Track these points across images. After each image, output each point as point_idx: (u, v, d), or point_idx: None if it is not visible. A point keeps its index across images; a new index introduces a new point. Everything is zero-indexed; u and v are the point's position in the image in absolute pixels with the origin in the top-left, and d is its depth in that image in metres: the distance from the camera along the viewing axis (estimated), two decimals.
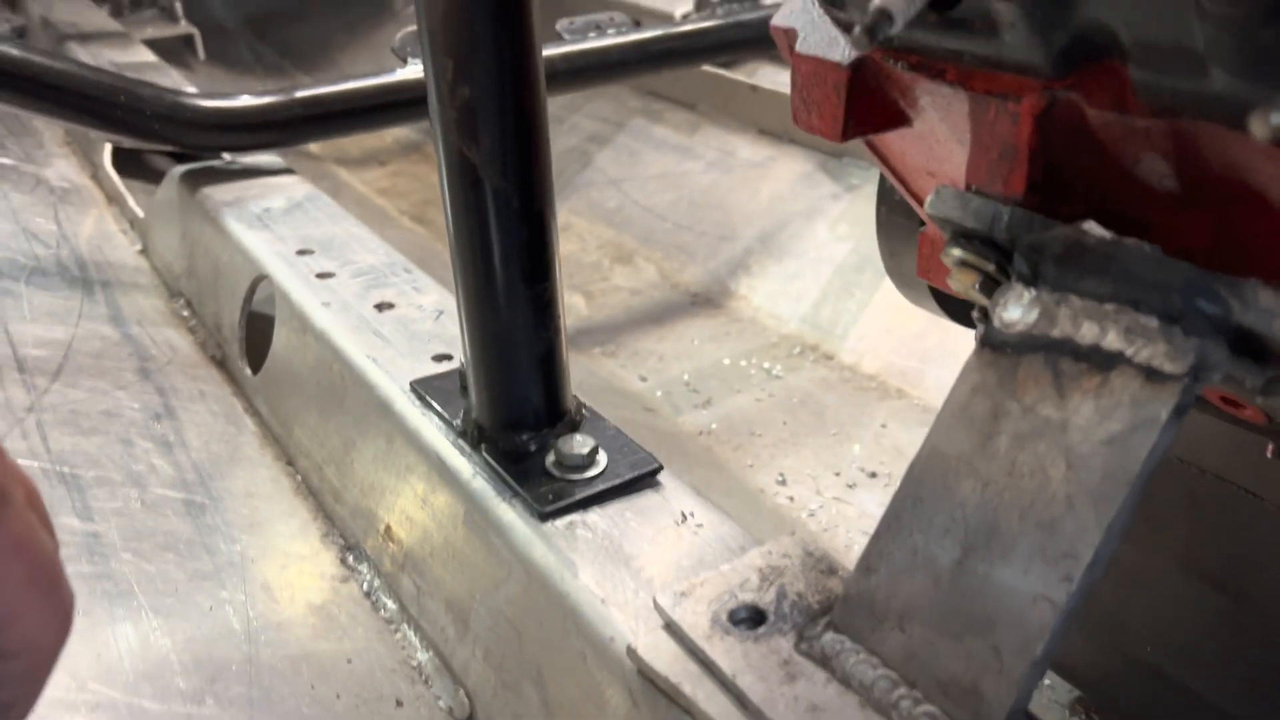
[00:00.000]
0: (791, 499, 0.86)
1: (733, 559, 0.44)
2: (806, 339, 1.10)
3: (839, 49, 0.42)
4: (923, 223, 0.59)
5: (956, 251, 0.39)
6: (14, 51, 0.77)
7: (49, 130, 1.25)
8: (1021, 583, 0.33)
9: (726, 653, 0.37)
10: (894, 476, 0.88)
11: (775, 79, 1.43)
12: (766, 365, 1.06)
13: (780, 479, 0.88)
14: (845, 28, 0.41)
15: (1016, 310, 0.35)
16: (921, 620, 0.35)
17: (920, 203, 0.54)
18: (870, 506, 0.85)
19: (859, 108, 0.42)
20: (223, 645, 0.47)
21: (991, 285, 0.38)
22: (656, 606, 0.40)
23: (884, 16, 0.33)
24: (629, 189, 1.44)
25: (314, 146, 1.70)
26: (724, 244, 1.27)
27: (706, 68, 1.40)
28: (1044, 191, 0.37)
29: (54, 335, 0.73)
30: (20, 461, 0.56)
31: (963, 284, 0.39)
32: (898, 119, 0.43)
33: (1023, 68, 0.34)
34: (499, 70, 0.43)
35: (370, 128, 0.92)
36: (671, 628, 0.39)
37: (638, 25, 1.14)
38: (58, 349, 0.71)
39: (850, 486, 0.87)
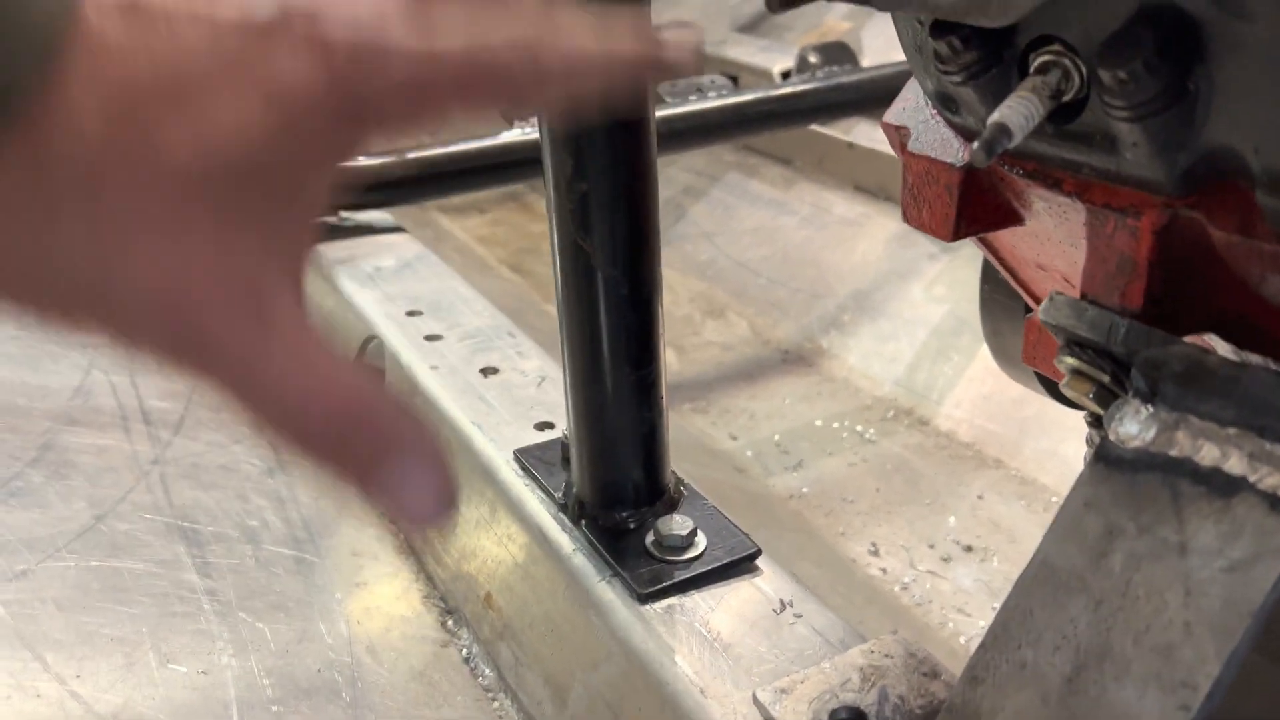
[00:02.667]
0: (884, 570, 0.85)
1: (832, 653, 0.44)
2: (901, 403, 1.09)
3: (952, 150, 0.42)
4: (1029, 306, 0.59)
5: (1070, 360, 0.39)
6: None
7: None
8: (1136, 707, 0.33)
9: None
10: (990, 551, 0.87)
11: (872, 136, 1.43)
12: (859, 428, 1.05)
13: (873, 549, 0.87)
14: (960, 131, 0.41)
15: (1133, 426, 0.35)
16: None
17: (1028, 291, 0.54)
18: (965, 582, 0.83)
19: (971, 207, 0.43)
20: (330, 709, 0.48)
21: (1106, 395, 0.38)
22: (756, 702, 0.40)
23: (1002, 132, 0.34)
24: (722, 243, 1.45)
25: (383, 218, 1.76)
26: (817, 301, 1.27)
27: None
28: (1163, 305, 0.37)
29: (174, 388, 0.76)
30: (146, 515, 0.59)
31: (1076, 392, 0.39)
32: (1010, 219, 0.43)
33: (1144, 184, 0.34)
34: (615, 167, 0.45)
35: (478, 188, 0.95)
36: None
37: (736, 86, 1.15)
38: (179, 401, 0.74)
39: (945, 560, 0.86)
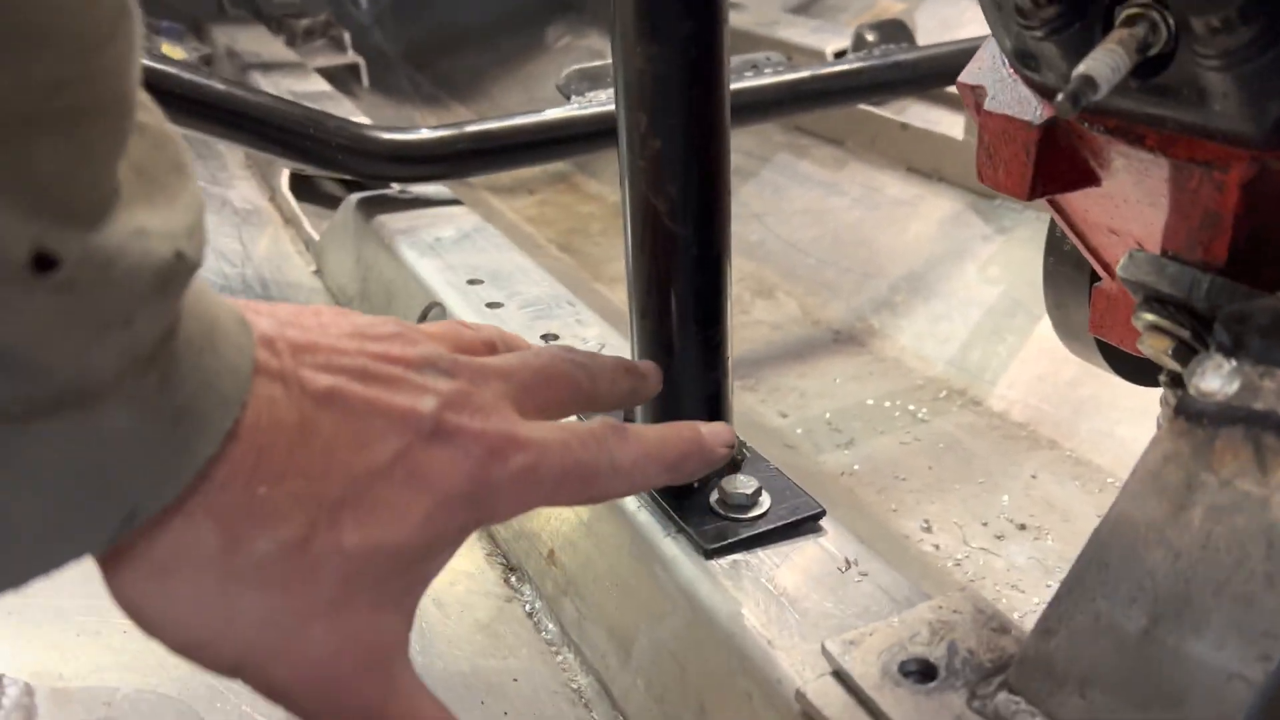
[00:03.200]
0: (937, 547, 0.84)
1: (898, 610, 0.44)
2: (954, 383, 1.08)
3: (1030, 108, 0.42)
4: (1095, 277, 0.58)
5: (1149, 316, 0.38)
6: (219, 85, 0.84)
7: (231, 154, 1.34)
8: (1215, 658, 0.33)
9: (898, 704, 0.38)
10: (1044, 529, 0.86)
11: (926, 117, 1.42)
12: (911, 408, 1.05)
13: (925, 525, 0.87)
14: (1039, 89, 0.41)
15: (1216, 381, 0.35)
16: (1104, 687, 0.35)
17: (1097, 258, 0.54)
18: (1019, 559, 0.83)
19: (1048, 167, 0.42)
20: None
21: (1186, 351, 0.38)
22: (825, 653, 0.40)
23: (1088, 84, 0.34)
24: (772, 223, 1.45)
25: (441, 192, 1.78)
26: (868, 282, 1.27)
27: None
28: (1246, 260, 0.36)
29: None
30: None
31: (1154, 349, 0.39)
32: (1087, 179, 0.43)
33: (1232, 137, 0.34)
34: (689, 125, 0.45)
35: (533, 162, 0.96)
36: (840, 675, 0.40)
37: (792, 64, 1.15)
38: None
39: (998, 538, 0.86)
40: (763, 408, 1.07)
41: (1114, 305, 0.56)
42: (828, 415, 1.04)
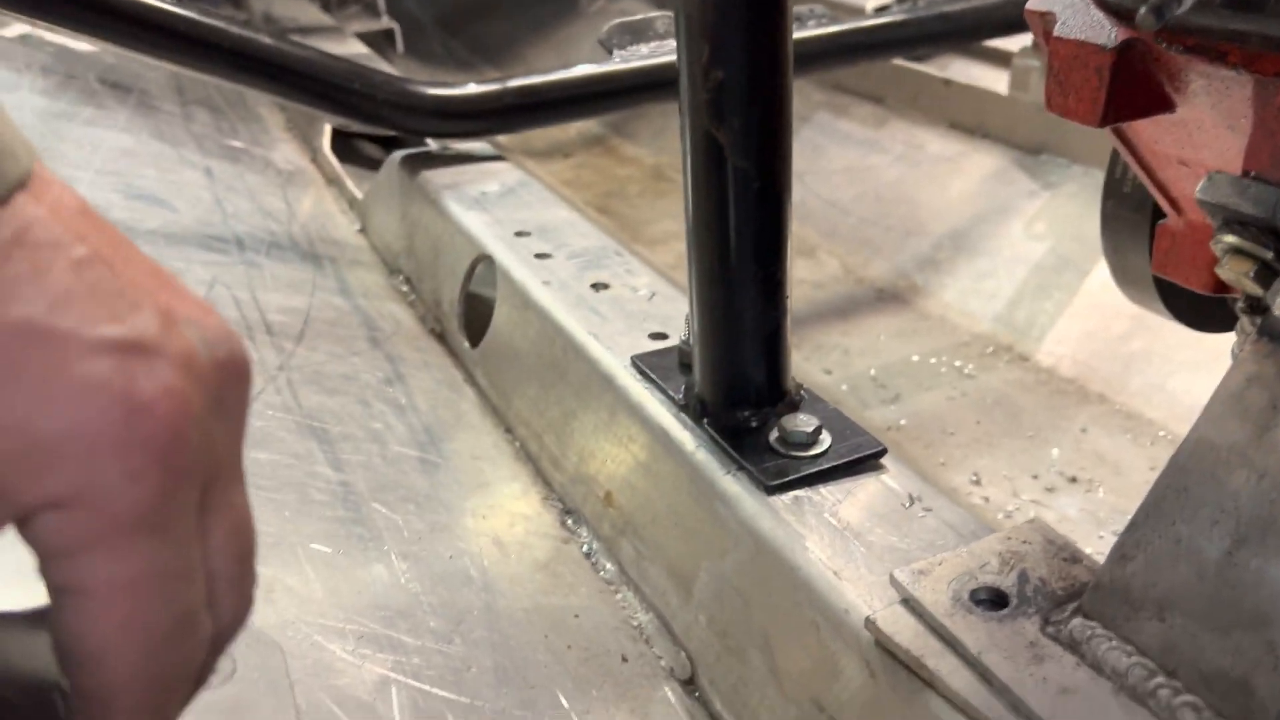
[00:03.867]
0: (986, 499, 0.84)
1: (963, 544, 0.44)
2: (1000, 339, 1.07)
3: (1103, 32, 0.41)
4: (1158, 215, 0.57)
5: (1230, 239, 0.38)
6: (266, 41, 0.84)
7: (272, 117, 1.35)
8: None
9: (970, 630, 0.37)
10: (1095, 482, 0.86)
11: (968, 73, 1.39)
12: (958, 364, 1.04)
13: (974, 479, 0.86)
14: (1114, 11, 0.40)
15: None
16: (1184, 611, 0.35)
17: (1164, 193, 0.53)
18: (1070, 511, 0.82)
19: (1121, 92, 0.42)
20: (465, 592, 0.50)
21: (1267, 274, 0.37)
22: (894, 582, 0.40)
23: None
24: (811, 182, 1.43)
25: (503, 138, 1.78)
26: (911, 240, 1.26)
27: (896, 61, 1.38)
28: None
29: (294, 303, 0.79)
30: (277, 415, 0.61)
31: (1234, 272, 0.38)
32: (1161, 104, 0.42)
33: None
34: (753, 54, 0.45)
35: (577, 117, 0.95)
36: (910, 604, 0.40)
37: (834, 17, 1.13)
38: (298, 316, 0.76)
39: (1049, 490, 0.85)
40: (807, 365, 1.06)
41: (1179, 243, 0.55)
42: (873, 372, 1.04)
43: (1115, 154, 0.62)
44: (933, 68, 1.40)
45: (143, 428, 0.23)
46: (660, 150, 1.66)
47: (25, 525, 0.22)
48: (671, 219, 1.44)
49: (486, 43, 2.23)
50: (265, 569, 0.47)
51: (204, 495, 0.25)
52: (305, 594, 0.46)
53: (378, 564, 0.50)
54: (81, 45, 1.34)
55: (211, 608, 0.26)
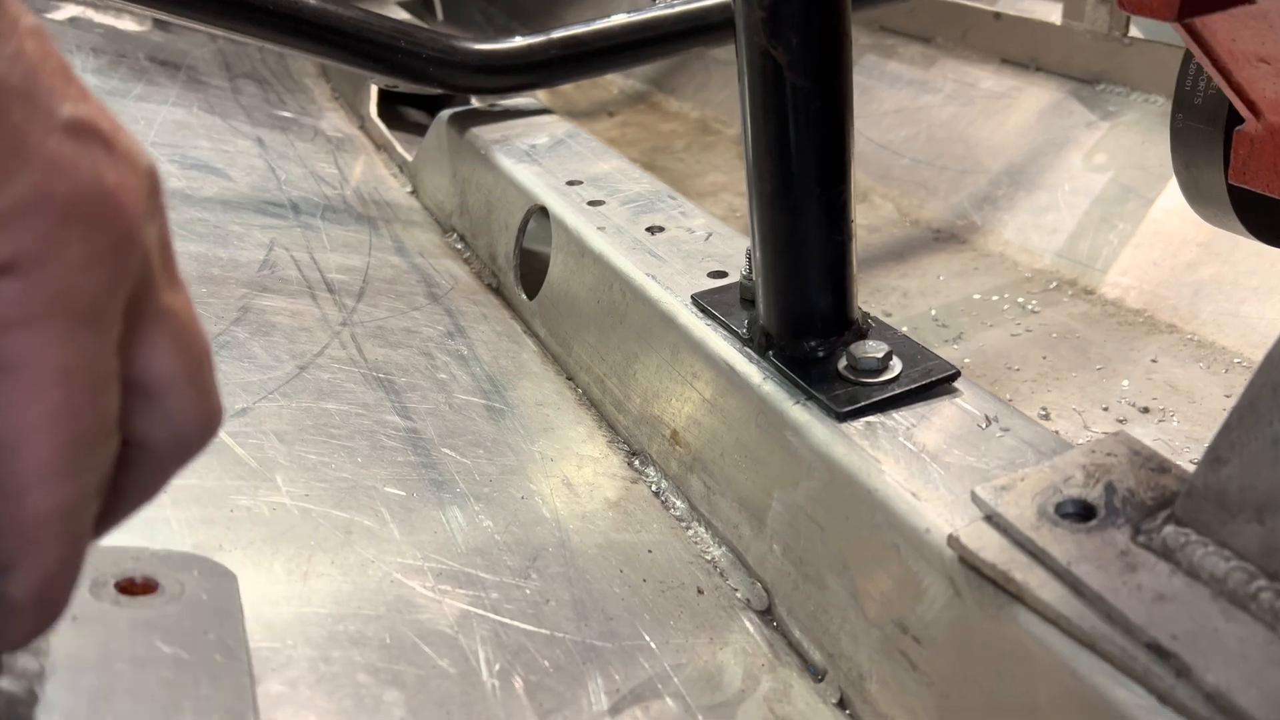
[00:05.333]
0: (1057, 433, 0.82)
1: (1045, 460, 0.43)
2: (1063, 273, 1.05)
3: None
4: (1233, 124, 0.55)
5: None
6: (312, 2, 0.84)
7: (318, 87, 1.36)
8: None
9: (1058, 542, 0.37)
10: (1168, 411, 0.84)
11: (1018, 5, 1.35)
12: (1020, 300, 1.02)
13: (1043, 413, 0.85)
14: None
15: None
16: None
17: (1241, 96, 0.51)
18: (1144, 440, 0.80)
19: None
20: (538, 530, 0.50)
21: None
22: (976, 499, 0.40)
23: None
24: (861, 126, 1.40)
25: (547, 98, 1.77)
26: (967, 178, 1.23)
27: None
28: None
29: (352, 263, 0.79)
30: (343, 367, 0.61)
31: None
32: None
33: None
34: None
35: (622, 66, 0.94)
36: (993, 519, 0.39)
37: None
38: (357, 275, 0.77)
39: (1121, 421, 0.83)
40: (865, 308, 1.05)
41: (1259, 148, 0.53)
42: (933, 312, 1.02)
43: (1186, 64, 0.60)
44: (981, 2, 1.36)
45: (107, 215, 0.23)
46: (704, 104, 1.64)
47: None
48: (719, 171, 1.43)
49: (525, 7, 2.22)
50: (342, 512, 0.48)
51: (140, 303, 0.25)
52: (382, 535, 0.47)
53: (451, 506, 0.51)
54: (129, 25, 1.36)
55: (163, 418, 0.26)
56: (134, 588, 0.36)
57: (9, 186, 0.21)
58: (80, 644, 0.32)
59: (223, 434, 0.52)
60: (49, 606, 0.25)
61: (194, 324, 0.27)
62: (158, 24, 1.32)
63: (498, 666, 0.41)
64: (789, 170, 0.48)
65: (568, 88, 1.76)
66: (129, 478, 0.27)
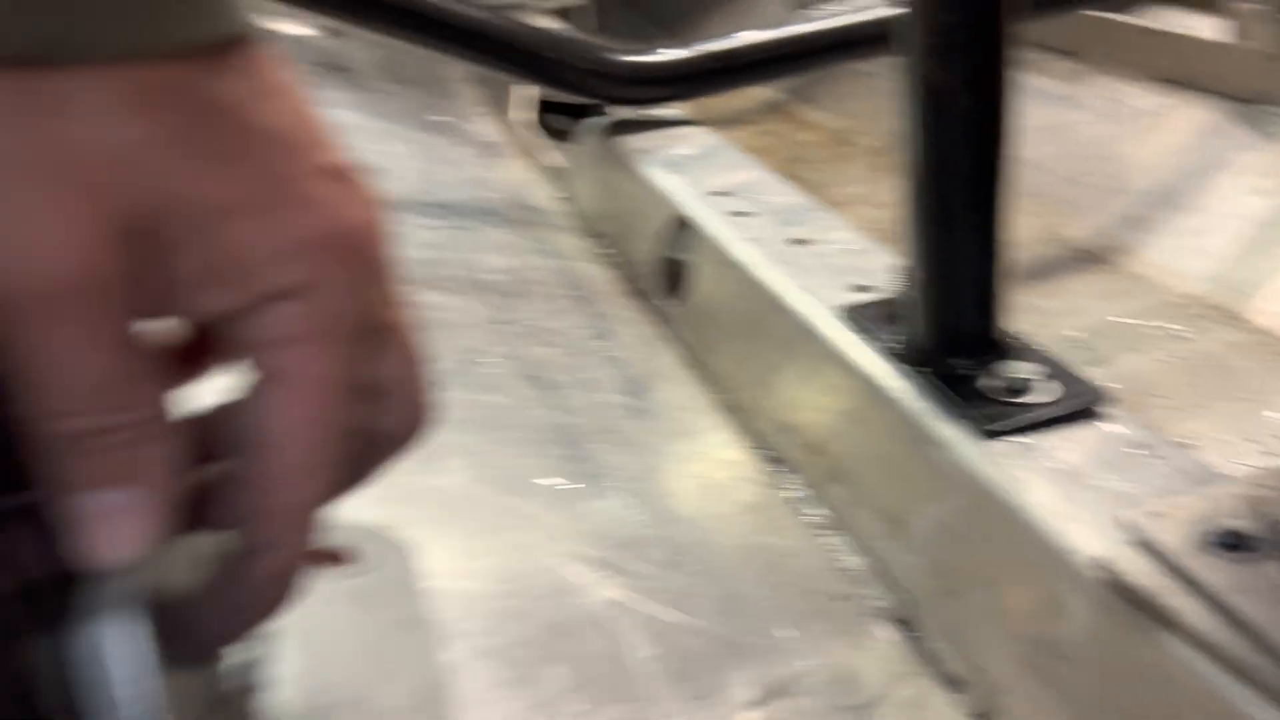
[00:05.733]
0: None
1: (1199, 488, 0.43)
2: (1213, 299, 1.01)
3: None
4: None
5: None
6: (472, 12, 0.88)
7: (469, 93, 1.41)
8: None
9: (1213, 571, 0.37)
10: None
11: (1170, 20, 1.31)
12: (1167, 325, 0.99)
13: (1188, 442, 0.83)
14: None
15: None
16: None
17: None
18: None
19: None
20: (681, 527, 0.53)
21: None
22: (1126, 524, 0.40)
23: None
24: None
25: (683, 105, 1.80)
26: (1114, 198, 1.20)
27: (1092, 13, 1.32)
28: None
29: (505, 264, 0.83)
30: (499, 363, 0.65)
31: None
32: None
33: None
34: None
35: (772, 79, 0.97)
36: (1145, 545, 0.39)
37: None
38: (509, 275, 0.81)
39: (1268, 454, 0.80)
40: (1009, 326, 1.04)
41: None
42: (1075, 333, 1.00)
43: None
44: (1131, 17, 1.33)
45: (360, 247, 0.26)
46: (844, 114, 1.64)
47: (248, 314, 0.25)
48: (856, 183, 1.42)
49: (665, 16, 2.25)
50: (504, 498, 0.51)
51: (376, 319, 0.28)
52: (540, 521, 0.50)
53: (600, 498, 0.53)
54: (295, 30, 1.44)
55: (389, 415, 0.30)
56: (327, 557, 0.39)
57: (286, 228, 0.25)
58: (295, 609, 0.36)
59: None
60: (287, 587, 0.29)
61: (414, 335, 0.30)
62: (327, 30, 1.41)
63: (648, 652, 0.43)
64: (946, 189, 0.49)
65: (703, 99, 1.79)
66: (356, 466, 0.30)
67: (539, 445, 0.57)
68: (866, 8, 0.94)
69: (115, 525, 0.25)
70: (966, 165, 0.48)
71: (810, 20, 0.95)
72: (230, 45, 0.25)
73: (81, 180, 0.21)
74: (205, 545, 0.30)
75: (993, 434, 0.48)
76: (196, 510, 0.29)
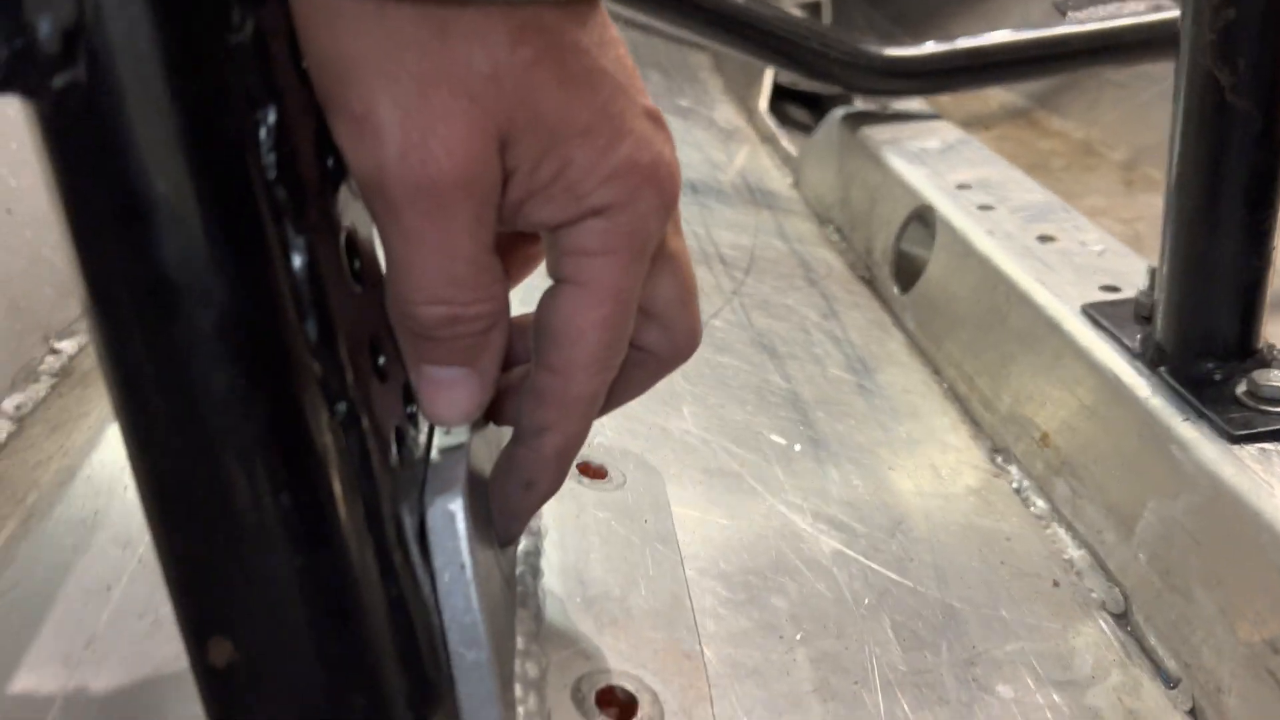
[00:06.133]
0: None
1: None
2: None
3: None
4: None
5: None
6: (735, 1, 0.92)
7: (712, 80, 1.46)
8: None
9: None
10: None
11: None
12: None
13: None
14: None
15: None
16: None
17: None
18: None
19: None
20: (903, 498, 0.54)
21: None
22: None
23: None
24: None
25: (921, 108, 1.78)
26: None
27: None
28: None
29: (740, 241, 0.87)
30: (734, 329, 0.69)
31: None
32: None
33: None
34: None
35: (1025, 79, 0.96)
36: None
37: None
38: (744, 253, 0.84)
39: None
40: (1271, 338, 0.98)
41: None
42: None
43: None
44: None
45: (665, 180, 0.30)
46: (1091, 124, 1.58)
47: (571, 226, 0.29)
48: (1100, 195, 1.37)
49: (909, 14, 2.23)
50: (736, 448, 0.54)
51: (661, 245, 0.31)
52: (768, 473, 0.53)
53: (826, 461, 0.56)
54: None
55: (661, 332, 0.33)
56: (589, 470, 0.44)
57: (614, 154, 0.29)
58: (561, 511, 0.40)
59: None
60: (565, 466, 0.33)
61: (689, 264, 0.34)
62: None
63: (867, 600, 0.45)
64: (1217, 189, 0.48)
65: (944, 99, 1.77)
66: (629, 376, 0.34)
67: (768, 407, 0.60)
68: (1128, 13, 0.91)
69: (453, 395, 0.30)
70: (1240, 167, 0.47)
71: (1076, 22, 0.94)
72: (585, 1, 0.29)
73: (478, 93, 0.26)
74: (500, 436, 0.35)
75: (1239, 439, 0.47)
76: (497, 403, 0.34)
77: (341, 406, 0.26)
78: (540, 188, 0.29)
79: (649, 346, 0.34)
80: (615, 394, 0.34)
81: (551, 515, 0.40)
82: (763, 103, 1.29)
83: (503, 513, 0.34)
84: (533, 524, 0.39)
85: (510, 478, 0.33)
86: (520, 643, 0.34)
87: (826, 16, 1.93)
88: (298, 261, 0.25)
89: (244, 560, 0.25)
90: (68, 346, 0.54)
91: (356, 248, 0.29)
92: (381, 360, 0.29)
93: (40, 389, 0.51)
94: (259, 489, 0.24)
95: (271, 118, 0.24)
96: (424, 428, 0.33)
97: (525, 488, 0.33)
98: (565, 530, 0.39)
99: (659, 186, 0.30)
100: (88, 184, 0.22)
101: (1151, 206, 1.25)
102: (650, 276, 0.32)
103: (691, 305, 0.34)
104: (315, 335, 0.25)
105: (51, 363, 0.53)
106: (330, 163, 0.27)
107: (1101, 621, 0.49)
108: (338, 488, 0.25)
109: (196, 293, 0.23)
